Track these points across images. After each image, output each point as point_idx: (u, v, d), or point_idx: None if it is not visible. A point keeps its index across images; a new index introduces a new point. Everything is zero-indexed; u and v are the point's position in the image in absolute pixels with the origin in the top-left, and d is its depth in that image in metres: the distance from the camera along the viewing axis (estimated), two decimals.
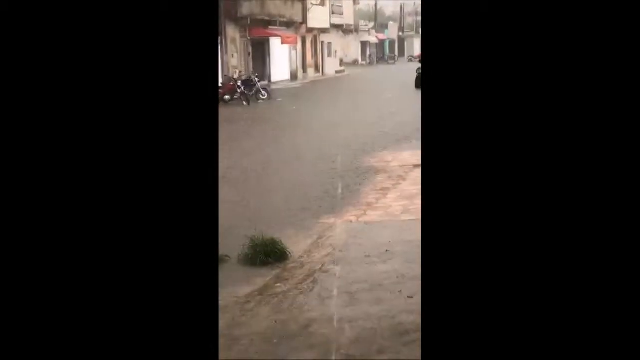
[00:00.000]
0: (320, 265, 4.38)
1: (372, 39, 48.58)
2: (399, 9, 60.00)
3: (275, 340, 3.16)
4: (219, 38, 20.17)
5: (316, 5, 30.88)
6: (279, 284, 4.13)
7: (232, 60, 22.38)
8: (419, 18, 64.87)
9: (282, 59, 27.76)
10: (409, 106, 16.33)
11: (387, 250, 4.56)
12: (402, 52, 57.95)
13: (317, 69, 32.79)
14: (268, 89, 19.81)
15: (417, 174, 7.74)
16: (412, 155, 9.05)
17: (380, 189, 7.02)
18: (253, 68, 23.56)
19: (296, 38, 28.39)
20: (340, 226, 5.53)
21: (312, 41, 31.95)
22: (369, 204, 6.35)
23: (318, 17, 31.45)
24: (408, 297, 3.58)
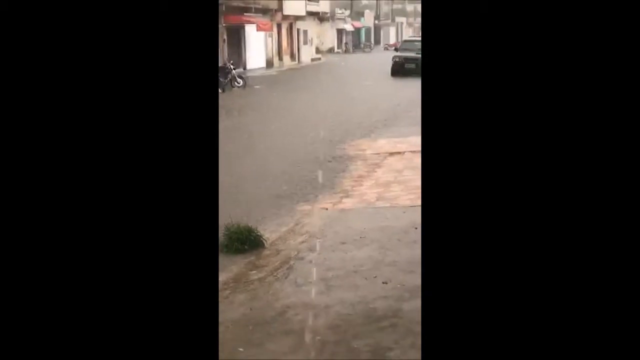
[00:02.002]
0: (295, 252, 4.39)
1: (348, 26, 48.48)
2: None
3: (250, 327, 3.16)
4: None
5: None
6: (254, 271, 4.13)
7: None
8: (395, 6, 64.94)
9: (257, 46, 27.55)
10: (385, 94, 16.39)
11: (362, 237, 4.59)
12: (377, 40, 57.95)
13: (292, 56, 32.64)
14: (243, 76, 19.66)
15: (392, 161, 7.78)
16: (387, 143, 9.11)
17: (356, 177, 7.05)
18: (228, 55, 23.36)
19: (272, 25, 28.19)
20: (316, 213, 5.55)
21: (287, 28, 31.77)
22: (344, 191, 6.38)
23: (294, 4, 31.26)
24: (383, 283, 3.62)
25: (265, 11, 27.47)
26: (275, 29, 29.34)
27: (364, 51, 49.35)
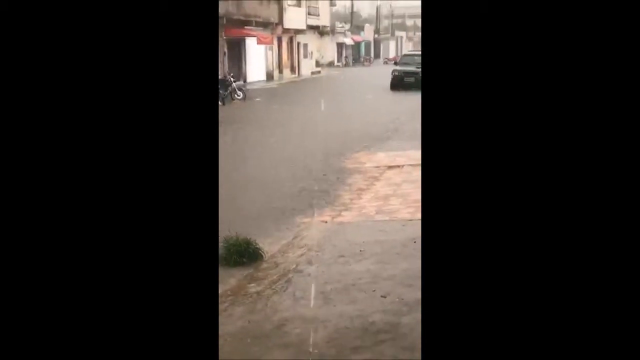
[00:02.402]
0: (294, 266, 4.38)
1: (348, 40, 48.68)
2: (374, 11, 60.33)
3: (248, 340, 3.15)
4: None
5: (292, 6, 30.86)
6: (252, 284, 4.12)
7: None
8: (395, 20, 65.28)
9: (257, 59, 27.67)
10: (384, 107, 16.43)
11: (361, 251, 4.59)
12: (377, 54, 58.20)
13: (293, 69, 32.76)
14: (244, 89, 19.70)
15: (391, 175, 7.79)
16: (386, 156, 9.12)
17: (355, 190, 7.05)
18: (228, 68, 23.43)
19: (272, 38, 28.31)
20: (314, 226, 5.54)
21: (288, 42, 31.91)
22: (343, 205, 6.38)
23: (294, 18, 31.42)
24: (381, 296, 3.61)
25: (265, 24, 27.61)
26: (275, 42, 29.47)
27: (363, 65, 49.53)
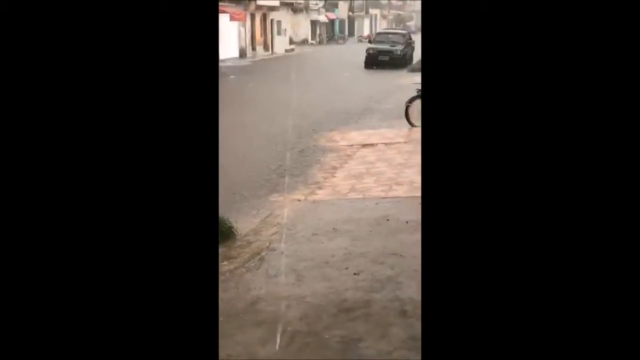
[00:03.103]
0: (267, 244, 4.38)
1: (322, 18, 48.35)
2: None
3: (221, 318, 3.14)
4: None
5: None
6: (225, 263, 4.11)
7: None
8: None
9: (230, 36, 27.32)
10: (358, 86, 16.42)
11: (334, 229, 4.60)
12: (351, 32, 57.90)
13: (266, 47, 32.44)
14: None
15: (364, 153, 7.81)
16: (360, 134, 9.14)
17: (329, 168, 7.06)
18: None
19: (245, 15, 27.96)
20: (288, 205, 5.54)
21: (261, 19, 31.55)
22: (317, 183, 6.38)
23: None
24: (354, 274, 3.63)
25: (238, 0, 27.23)
26: (248, 19, 29.11)
27: (337, 43, 49.29)
